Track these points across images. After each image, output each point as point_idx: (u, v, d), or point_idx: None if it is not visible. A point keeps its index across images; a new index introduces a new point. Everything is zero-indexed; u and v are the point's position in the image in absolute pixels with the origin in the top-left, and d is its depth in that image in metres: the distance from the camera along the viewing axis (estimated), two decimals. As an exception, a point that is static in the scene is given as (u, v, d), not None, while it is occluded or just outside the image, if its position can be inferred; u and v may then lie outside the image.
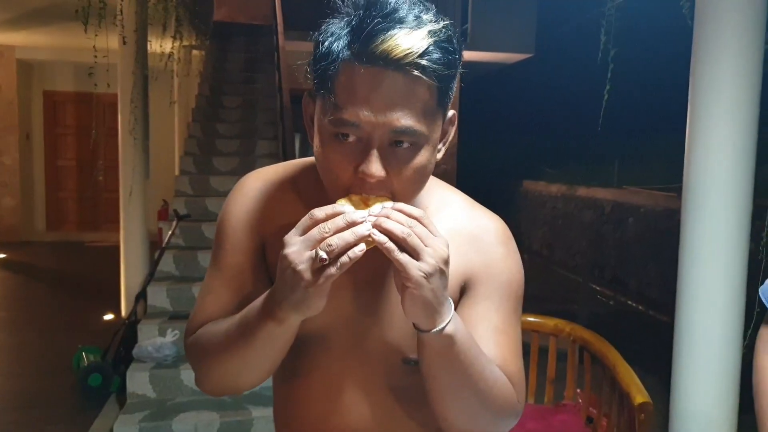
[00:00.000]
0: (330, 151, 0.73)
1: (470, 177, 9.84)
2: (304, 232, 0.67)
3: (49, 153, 8.59)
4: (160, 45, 5.13)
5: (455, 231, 0.84)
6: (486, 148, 10.68)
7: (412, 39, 0.67)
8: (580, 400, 1.90)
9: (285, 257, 0.67)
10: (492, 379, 0.77)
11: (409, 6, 0.69)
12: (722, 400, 2.17)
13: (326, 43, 0.72)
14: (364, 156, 0.70)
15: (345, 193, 0.73)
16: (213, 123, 5.56)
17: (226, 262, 0.87)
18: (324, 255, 0.65)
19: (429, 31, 0.68)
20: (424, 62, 0.68)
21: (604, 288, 6.88)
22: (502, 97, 10.66)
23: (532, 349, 1.86)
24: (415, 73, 0.68)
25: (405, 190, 0.74)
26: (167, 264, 3.91)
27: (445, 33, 0.70)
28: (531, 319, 1.84)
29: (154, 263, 3.88)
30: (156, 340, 3.28)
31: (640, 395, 1.44)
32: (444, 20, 0.71)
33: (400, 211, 0.67)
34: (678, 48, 2.90)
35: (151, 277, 3.76)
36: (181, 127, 7.38)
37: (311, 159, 0.86)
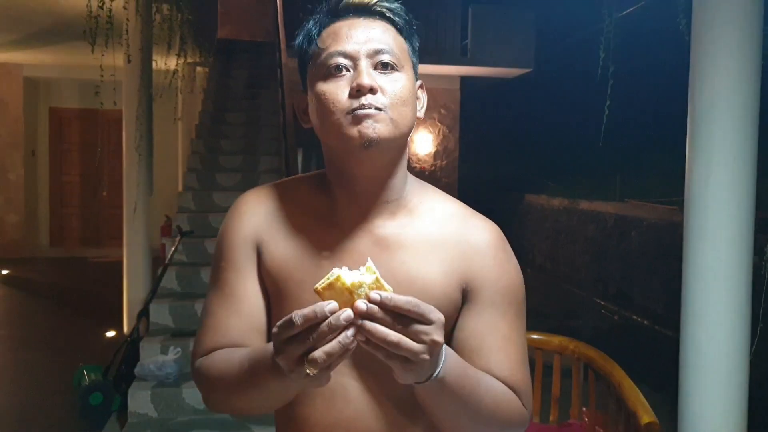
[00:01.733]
0: (327, 87, 0.81)
1: (472, 190, 9.83)
2: (289, 337, 0.65)
3: (54, 169, 8.64)
4: (164, 62, 5.18)
5: (453, 237, 0.87)
6: (487, 161, 10.71)
7: None
8: (586, 419, 1.89)
9: (278, 363, 0.67)
10: (493, 403, 0.79)
11: None
12: (731, 417, 2.16)
13: (306, 27, 0.87)
14: (356, 75, 0.79)
15: (346, 117, 0.78)
16: (216, 139, 5.59)
17: (226, 282, 0.89)
18: (311, 371, 0.64)
19: None
20: (386, 5, 0.85)
21: (608, 302, 6.85)
22: (503, 111, 10.70)
23: (537, 367, 1.85)
24: (386, 13, 0.84)
25: (396, 106, 0.80)
26: (170, 280, 3.91)
27: None
28: (535, 336, 1.84)
29: (156, 280, 3.89)
30: (158, 358, 3.27)
31: (646, 415, 1.43)
32: None
33: (386, 306, 0.64)
34: (679, 62, 2.93)
35: (153, 293, 3.76)
36: (185, 143, 7.42)
37: (306, 174, 0.95)
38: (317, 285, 0.67)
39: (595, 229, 7.55)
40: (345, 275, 0.66)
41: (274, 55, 6.43)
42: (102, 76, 3.43)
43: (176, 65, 5.27)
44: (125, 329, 4.61)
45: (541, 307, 6.74)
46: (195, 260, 4.13)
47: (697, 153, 2.33)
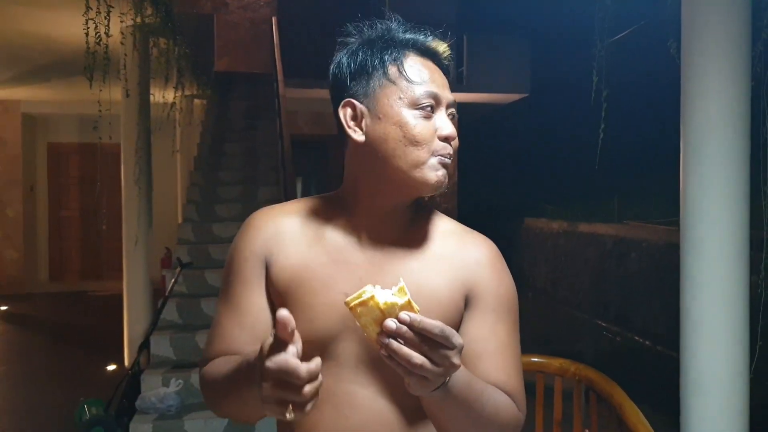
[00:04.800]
0: (418, 122, 0.87)
1: (472, 215, 9.87)
2: (278, 376, 0.67)
3: (53, 204, 8.66)
4: (162, 95, 5.25)
5: (454, 250, 0.94)
6: (486, 186, 10.76)
7: (443, 44, 0.93)
8: (589, 442, 1.87)
9: (260, 388, 0.69)
10: (494, 409, 0.85)
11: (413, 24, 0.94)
12: (734, 438, 2.14)
13: (373, 49, 0.90)
14: (443, 123, 0.88)
15: (432, 158, 0.86)
16: (215, 170, 5.63)
17: (234, 296, 0.94)
18: (289, 416, 0.67)
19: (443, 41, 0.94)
20: (448, 59, 0.94)
21: (610, 324, 6.81)
22: (501, 136, 10.79)
23: (538, 390, 1.84)
24: (446, 65, 0.93)
25: (456, 151, 0.90)
26: (170, 312, 3.90)
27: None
28: (535, 359, 1.83)
29: (157, 312, 3.88)
30: (159, 390, 3.24)
31: (648, 435, 1.42)
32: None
33: (414, 328, 0.68)
34: (672, 84, 2.98)
35: (154, 326, 3.75)
36: (184, 175, 7.48)
37: (315, 196, 1.00)
38: (348, 299, 0.69)
39: (595, 252, 7.54)
40: (379, 295, 0.68)
41: (271, 86, 6.52)
42: (100, 110, 3.47)
43: (174, 98, 5.34)
44: (126, 362, 4.58)
45: (543, 329, 6.70)
46: (195, 292, 4.13)
47: (691, 173, 2.35)
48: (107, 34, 3.48)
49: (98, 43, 3.45)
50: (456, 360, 0.70)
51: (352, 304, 0.69)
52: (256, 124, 6.51)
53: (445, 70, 0.93)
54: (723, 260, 2.18)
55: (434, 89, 0.88)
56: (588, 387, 1.81)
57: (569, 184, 9.35)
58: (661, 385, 3.97)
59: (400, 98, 0.87)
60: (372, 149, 0.88)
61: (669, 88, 3.17)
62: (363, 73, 0.89)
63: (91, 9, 3.37)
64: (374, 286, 0.69)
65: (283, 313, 0.66)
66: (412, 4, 8.80)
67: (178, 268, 3.88)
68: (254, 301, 0.92)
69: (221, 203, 5.13)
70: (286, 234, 0.93)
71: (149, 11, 4.12)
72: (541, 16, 8.71)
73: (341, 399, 0.87)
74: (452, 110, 0.91)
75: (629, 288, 6.73)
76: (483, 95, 8.87)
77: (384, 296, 0.68)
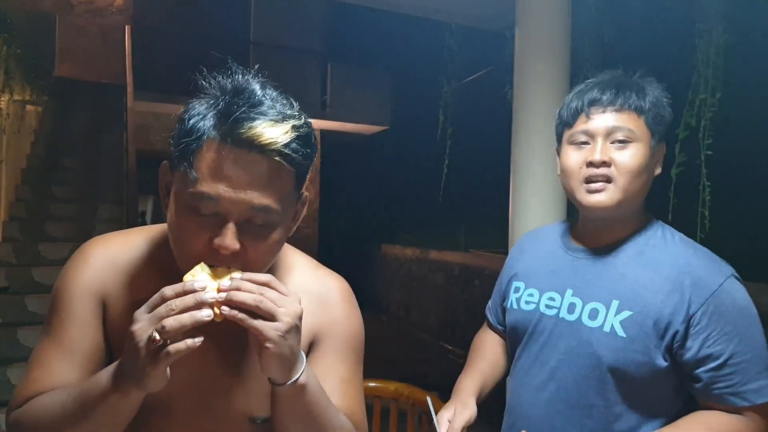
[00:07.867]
0: (185, 221, 0.76)
1: (331, 240, 9.94)
2: (153, 308, 0.69)
3: None
4: (-14, 99, 4.69)
5: (303, 291, 0.89)
6: (346, 212, 10.94)
7: (277, 130, 0.74)
8: (422, 463, 1.94)
9: (131, 333, 0.69)
10: (340, 426, 0.85)
11: (272, 100, 0.77)
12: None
13: (192, 121, 0.76)
14: (220, 229, 0.75)
15: (196, 263, 0.75)
16: (47, 185, 5.12)
17: (63, 334, 0.85)
18: (157, 336, 0.67)
19: (293, 126, 0.76)
20: (286, 151, 0.75)
21: (455, 347, 7.18)
22: (362, 165, 11.08)
23: (375, 414, 1.88)
24: (277, 159, 0.75)
25: (257, 263, 0.78)
26: (-21, 343, 3.42)
27: (306, 129, 0.78)
28: (372, 384, 1.87)
29: (-38, 343, 3.38)
30: (-43, 434, 2.81)
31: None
32: (305, 117, 0.80)
33: (249, 280, 0.72)
34: (508, 125, 3.28)
35: (-43, 359, 3.27)
36: (9, 189, 6.68)
37: (162, 225, 0.90)
38: (185, 276, 0.73)
39: (443, 278, 7.95)
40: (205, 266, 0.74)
41: (120, 97, 6.10)
42: None
43: (0, 101, 4.79)
44: None
45: (394, 352, 6.89)
46: (12, 320, 3.67)
47: (518, 205, 2.59)
48: None
49: None
50: (297, 305, 0.73)
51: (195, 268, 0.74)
52: (101, 137, 6.04)
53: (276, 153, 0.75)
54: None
55: (215, 190, 0.74)
56: (422, 410, 1.88)
57: (423, 213, 9.81)
58: (501, 406, 4.25)
59: (181, 190, 0.77)
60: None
61: (507, 129, 3.49)
62: (178, 143, 0.77)
63: None
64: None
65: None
66: (279, 32, 8.80)
67: (-7, 293, 3.44)
68: (86, 340, 0.85)
69: (53, 221, 4.66)
70: (124, 268, 0.87)
71: (-27, 4, 3.68)
72: (402, 54, 9.15)
73: (174, 411, 0.86)
74: (256, 217, 0.77)
75: (473, 313, 7.16)
76: (345, 124, 9.07)
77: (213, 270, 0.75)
